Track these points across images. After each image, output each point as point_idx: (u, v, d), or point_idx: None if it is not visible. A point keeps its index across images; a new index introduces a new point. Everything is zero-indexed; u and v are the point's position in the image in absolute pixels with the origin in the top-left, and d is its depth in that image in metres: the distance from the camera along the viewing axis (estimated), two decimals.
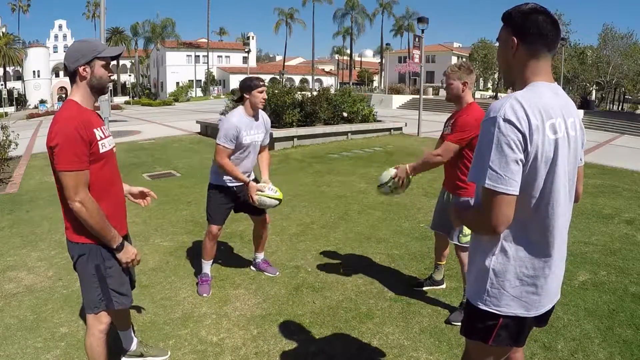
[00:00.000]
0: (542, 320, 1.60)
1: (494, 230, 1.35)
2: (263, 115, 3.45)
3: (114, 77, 2.08)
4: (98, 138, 1.95)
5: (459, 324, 2.92)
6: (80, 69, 1.93)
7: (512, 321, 1.48)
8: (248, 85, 3.22)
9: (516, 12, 1.42)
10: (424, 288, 3.47)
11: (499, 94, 40.78)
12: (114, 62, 2.14)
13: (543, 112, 1.34)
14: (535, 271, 1.45)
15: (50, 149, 1.86)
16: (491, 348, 1.54)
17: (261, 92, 3.21)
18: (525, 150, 1.31)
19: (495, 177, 1.29)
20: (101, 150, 1.97)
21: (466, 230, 2.93)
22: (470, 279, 1.58)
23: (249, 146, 3.33)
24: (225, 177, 3.36)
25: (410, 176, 2.89)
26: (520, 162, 1.31)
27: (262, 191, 3.30)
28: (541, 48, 1.41)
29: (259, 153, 3.53)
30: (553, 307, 1.57)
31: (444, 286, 3.49)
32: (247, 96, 3.24)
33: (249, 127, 3.29)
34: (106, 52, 1.96)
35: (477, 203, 1.46)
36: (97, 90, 2.00)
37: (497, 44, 1.56)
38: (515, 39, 1.41)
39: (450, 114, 3.13)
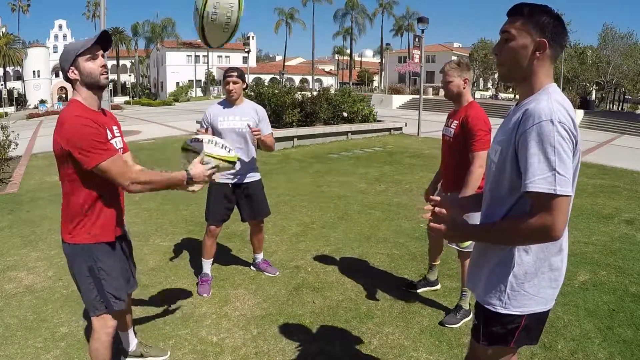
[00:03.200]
0: None
1: (556, 236, 1.29)
2: (252, 105, 3.46)
3: (105, 63, 2.02)
4: (109, 137, 1.97)
5: (453, 326, 2.92)
6: (69, 73, 1.94)
7: (533, 320, 1.48)
8: (223, 77, 3.38)
9: (546, 14, 1.40)
10: (419, 290, 3.44)
11: (499, 94, 40.79)
12: (113, 62, 2.12)
13: (574, 112, 1.37)
14: (552, 267, 1.45)
15: (68, 152, 1.83)
16: (509, 349, 1.55)
17: (227, 83, 3.29)
18: (574, 151, 1.33)
19: (564, 182, 1.27)
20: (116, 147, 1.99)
21: None
22: (482, 283, 1.53)
23: (225, 133, 3.26)
24: (218, 173, 3.36)
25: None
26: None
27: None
28: (560, 53, 1.45)
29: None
30: None
31: (438, 287, 3.47)
32: (223, 88, 3.39)
33: (226, 114, 3.31)
34: (83, 47, 1.93)
35: (514, 213, 1.40)
36: (94, 86, 1.97)
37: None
38: (545, 41, 1.38)
39: (450, 112, 3.05)
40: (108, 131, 1.99)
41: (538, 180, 1.28)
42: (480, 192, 1.77)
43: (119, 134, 2.13)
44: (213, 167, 2.11)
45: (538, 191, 1.27)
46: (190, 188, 2.04)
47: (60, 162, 1.93)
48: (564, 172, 1.27)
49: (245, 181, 3.43)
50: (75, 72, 1.93)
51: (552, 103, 1.33)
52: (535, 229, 1.30)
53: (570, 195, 1.30)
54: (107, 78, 2.04)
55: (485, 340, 1.55)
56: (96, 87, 1.98)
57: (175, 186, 1.99)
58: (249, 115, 3.37)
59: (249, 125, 3.28)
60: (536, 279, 1.44)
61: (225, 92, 3.34)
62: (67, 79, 1.97)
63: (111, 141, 1.99)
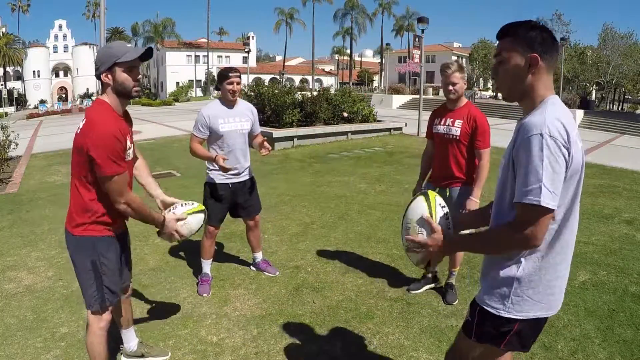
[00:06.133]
0: None
1: (534, 245, 1.36)
2: (246, 105, 3.46)
3: (140, 77, 2.10)
4: (127, 147, 2.00)
5: (455, 303, 3.13)
6: (102, 76, 1.95)
7: (528, 325, 1.50)
8: (220, 76, 3.29)
9: (532, 29, 1.41)
10: (421, 290, 3.45)
11: (498, 95, 40.78)
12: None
13: (573, 124, 1.37)
14: (557, 274, 1.48)
15: (86, 152, 1.87)
16: (499, 351, 1.57)
17: (230, 83, 3.22)
18: (566, 164, 1.33)
19: (550, 196, 1.29)
20: (126, 159, 2.01)
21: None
22: (487, 283, 1.55)
23: (229, 135, 3.28)
24: (216, 174, 3.37)
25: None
26: (563, 177, 1.34)
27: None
28: (555, 63, 1.45)
29: (253, 140, 3.48)
30: None
31: (439, 284, 3.54)
32: (221, 87, 3.30)
33: (227, 116, 3.30)
34: (125, 57, 1.92)
35: (498, 222, 1.48)
36: (123, 95, 1.99)
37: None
38: (536, 55, 1.40)
39: (439, 110, 3.25)
40: (127, 139, 2.02)
41: (525, 192, 1.32)
42: (478, 210, 1.90)
43: (132, 141, 2.16)
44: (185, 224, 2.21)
45: (524, 202, 1.32)
46: (160, 238, 2.20)
47: (79, 159, 1.94)
48: (550, 186, 1.29)
49: (245, 178, 3.48)
50: (109, 77, 1.94)
51: (546, 116, 1.34)
52: (517, 239, 1.37)
53: (553, 209, 1.32)
54: (139, 91, 2.04)
55: (475, 337, 1.59)
56: (125, 96, 2.01)
57: (150, 223, 2.11)
58: (246, 116, 3.40)
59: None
60: (541, 287, 1.46)
61: (224, 93, 3.26)
62: (98, 77, 1.98)
63: (128, 151, 2.01)
